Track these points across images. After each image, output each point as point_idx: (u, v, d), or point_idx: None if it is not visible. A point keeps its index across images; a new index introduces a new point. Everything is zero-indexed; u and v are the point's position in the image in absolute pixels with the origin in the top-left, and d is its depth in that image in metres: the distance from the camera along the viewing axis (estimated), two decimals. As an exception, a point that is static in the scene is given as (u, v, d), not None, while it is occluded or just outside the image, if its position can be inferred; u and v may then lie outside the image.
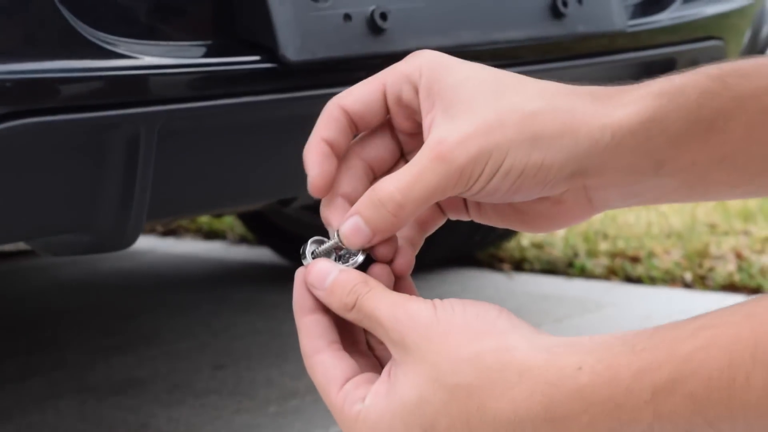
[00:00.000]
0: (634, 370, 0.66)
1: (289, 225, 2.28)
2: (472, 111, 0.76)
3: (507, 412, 0.69)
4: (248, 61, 1.13)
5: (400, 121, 0.78)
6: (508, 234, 2.25)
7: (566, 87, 0.78)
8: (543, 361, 0.69)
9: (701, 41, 1.51)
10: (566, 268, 2.28)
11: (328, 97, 1.16)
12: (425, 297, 2.09)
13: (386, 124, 0.80)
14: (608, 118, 0.75)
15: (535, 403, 0.68)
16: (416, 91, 0.78)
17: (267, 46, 1.12)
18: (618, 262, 2.25)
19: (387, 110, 0.80)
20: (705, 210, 2.59)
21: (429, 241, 2.41)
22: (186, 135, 1.13)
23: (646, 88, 0.77)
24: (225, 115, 1.14)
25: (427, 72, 0.78)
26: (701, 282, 2.13)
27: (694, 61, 1.48)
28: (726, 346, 0.62)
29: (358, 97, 0.82)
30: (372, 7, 1.17)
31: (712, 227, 2.44)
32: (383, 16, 1.17)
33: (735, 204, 2.64)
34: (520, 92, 0.77)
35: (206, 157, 1.18)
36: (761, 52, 1.70)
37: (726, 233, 2.39)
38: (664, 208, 2.62)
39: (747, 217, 2.53)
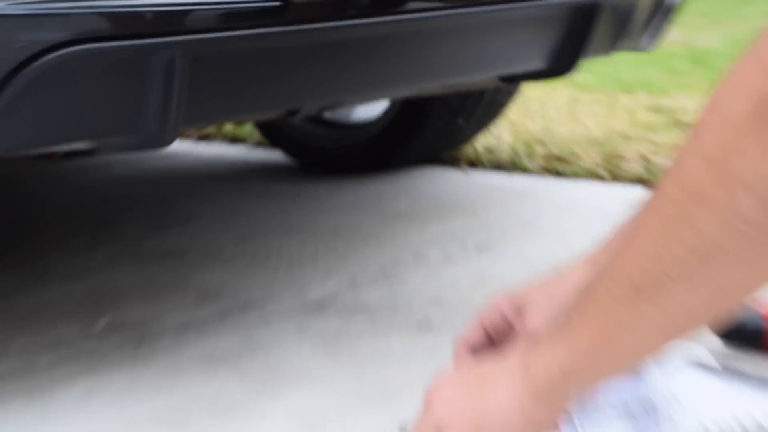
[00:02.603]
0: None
1: (295, 132, 2.28)
2: None
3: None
4: (261, 0, 1.12)
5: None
6: (466, 139, 2.26)
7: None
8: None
9: None
10: (510, 166, 2.27)
11: (321, 30, 1.16)
12: (401, 189, 2.09)
13: None
14: None
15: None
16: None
17: None
18: (551, 162, 2.25)
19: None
20: (620, 122, 2.59)
21: (404, 145, 2.41)
22: (212, 59, 1.12)
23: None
24: (242, 42, 1.12)
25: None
26: (615, 178, 2.14)
27: (613, 6, 1.47)
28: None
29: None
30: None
31: (625, 136, 2.44)
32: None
33: (643, 116, 2.65)
34: None
35: (228, 76, 1.16)
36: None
37: (635, 140, 2.40)
38: (587, 121, 2.62)
39: (652, 128, 2.53)
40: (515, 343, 0.83)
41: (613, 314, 0.66)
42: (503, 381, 0.74)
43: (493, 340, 0.92)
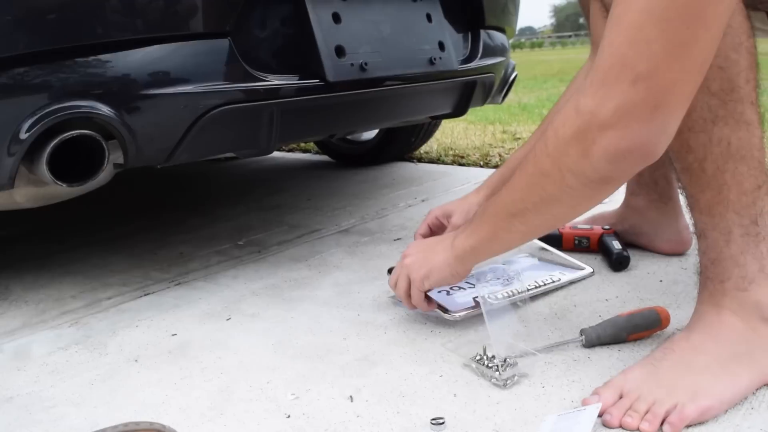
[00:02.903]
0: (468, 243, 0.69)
1: (333, 145, 2.23)
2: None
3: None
4: (313, 81, 1.08)
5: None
6: (416, 147, 2.21)
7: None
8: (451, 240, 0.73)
9: (485, 74, 1.43)
10: (437, 160, 2.24)
11: (344, 95, 1.13)
12: (384, 172, 2.02)
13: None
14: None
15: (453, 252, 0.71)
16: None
17: (321, 74, 1.07)
18: (456, 158, 2.21)
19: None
20: (488, 138, 2.55)
21: (385, 151, 2.32)
22: (291, 111, 1.09)
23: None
24: (306, 102, 1.09)
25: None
26: (487, 165, 2.11)
27: (483, 83, 1.44)
28: (494, 227, 0.64)
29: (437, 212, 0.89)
30: (361, 60, 1.12)
31: (491, 145, 2.40)
32: (366, 64, 1.12)
33: (499, 135, 2.61)
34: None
35: (300, 119, 1.13)
36: (508, 78, 1.62)
37: (496, 147, 2.36)
38: (473, 138, 2.57)
39: (503, 141, 2.49)
40: (446, 233, 0.82)
41: (498, 224, 0.66)
42: (441, 248, 0.74)
43: (434, 232, 0.91)
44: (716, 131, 0.58)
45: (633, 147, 0.49)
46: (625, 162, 0.50)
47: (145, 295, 1.04)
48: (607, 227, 1.12)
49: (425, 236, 0.89)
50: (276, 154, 2.15)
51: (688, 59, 0.47)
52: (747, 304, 0.61)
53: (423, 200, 1.68)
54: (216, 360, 0.80)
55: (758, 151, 0.60)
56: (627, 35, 0.47)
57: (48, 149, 0.79)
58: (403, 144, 2.17)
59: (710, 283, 0.65)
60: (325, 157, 2.35)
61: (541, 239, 1.15)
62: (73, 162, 0.83)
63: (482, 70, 1.41)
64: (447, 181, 1.93)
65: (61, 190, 0.95)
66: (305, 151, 2.58)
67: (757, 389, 0.62)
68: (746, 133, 0.57)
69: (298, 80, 1.05)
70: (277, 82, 1.03)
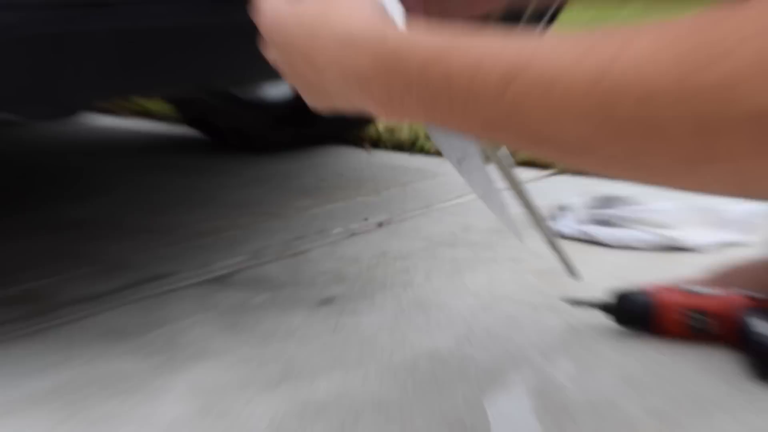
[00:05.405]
0: (419, 40, 0.65)
1: (206, 109, 2.26)
2: None
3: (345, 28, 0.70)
4: None
5: None
6: (369, 121, 2.26)
7: None
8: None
9: None
10: (410, 147, 2.29)
11: (232, 9, 1.14)
12: (307, 166, 2.12)
13: None
14: None
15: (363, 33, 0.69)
16: None
17: None
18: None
19: None
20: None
21: (311, 126, 2.44)
22: (125, 31, 1.09)
23: None
24: (153, 17, 1.11)
25: None
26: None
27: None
28: (495, 54, 0.60)
29: None
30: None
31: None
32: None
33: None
34: None
35: (139, 50, 1.14)
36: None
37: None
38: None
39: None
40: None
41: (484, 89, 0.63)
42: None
43: None
44: None
45: None
46: None
47: None
48: (751, 294, 1.13)
49: None
50: (94, 119, 2.15)
51: None
52: None
53: (380, 224, 1.71)
54: None
55: None
56: None
57: None
58: (343, 113, 2.21)
59: None
60: (187, 132, 2.38)
61: (613, 309, 1.18)
62: None
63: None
64: (428, 187, 1.96)
65: None
66: (144, 114, 2.60)
67: None
68: None
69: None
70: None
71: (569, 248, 1.56)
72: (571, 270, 1.04)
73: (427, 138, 2.31)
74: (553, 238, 0.99)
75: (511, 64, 0.58)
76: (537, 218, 0.98)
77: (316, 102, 0.79)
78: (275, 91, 2.24)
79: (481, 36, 0.62)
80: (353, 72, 0.69)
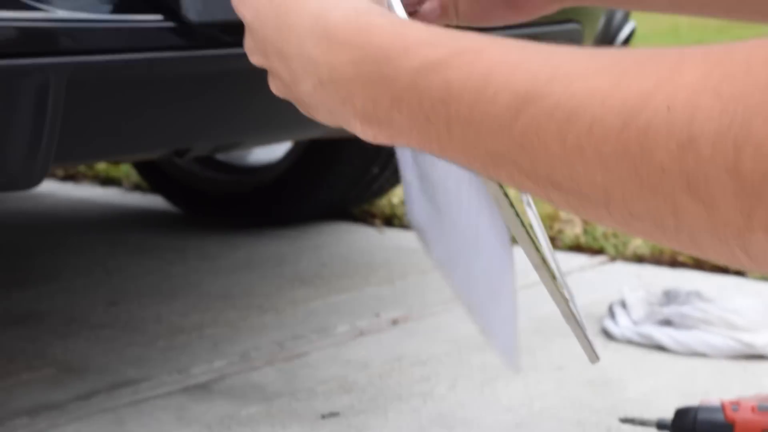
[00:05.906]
0: (415, 38, 0.62)
1: (180, 174, 2.26)
2: None
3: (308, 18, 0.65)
4: (153, 19, 1.11)
5: None
6: (381, 191, 2.26)
7: None
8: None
9: (562, 24, 1.53)
10: (430, 224, 2.29)
11: (225, 56, 1.16)
12: (304, 248, 2.06)
13: None
14: None
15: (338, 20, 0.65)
16: None
17: (170, 7, 1.11)
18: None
19: None
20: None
21: (309, 195, 2.40)
22: (93, 86, 1.11)
23: None
24: (129, 69, 1.12)
25: None
26: (552, 241, 2.16)
27: (554, 40, 1.51)
28: (507, 69, 0.58)
29: None
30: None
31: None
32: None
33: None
34: None
35: (110, 107, 1.16)
36: (613, 37, 1.72)
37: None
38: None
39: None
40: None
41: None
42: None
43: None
44: None
45: None
46: None
47: None
48: None
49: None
50: (42, 186, 2.16)
51: None
52: None
53: (394, 321, 1.72)
54: None
55: None
56: None
57: None
58: (350, 180, 2.22)
59: None
60: (157, 201, 2.37)
61: (677, 429, 1.19)
62: None
63: (552, 15, 1.52)
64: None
65: None
66: (109, 182, 2.59)
67: None
68: None
69: (119, 16, 1.10)
70: (67, 14, 1.06)
71: (625, 353, 1.53)
72: (591, 353, 1.01)
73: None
74: (573, 308, 0.97)
75: (527, 84, 0.56)
76: (557, 282, 0.96)
77: (303, 110, 0.75)
78: (263, 153, 2.27)
79: (493, 42, 0.59)
80: (328, 74, 0.65)
